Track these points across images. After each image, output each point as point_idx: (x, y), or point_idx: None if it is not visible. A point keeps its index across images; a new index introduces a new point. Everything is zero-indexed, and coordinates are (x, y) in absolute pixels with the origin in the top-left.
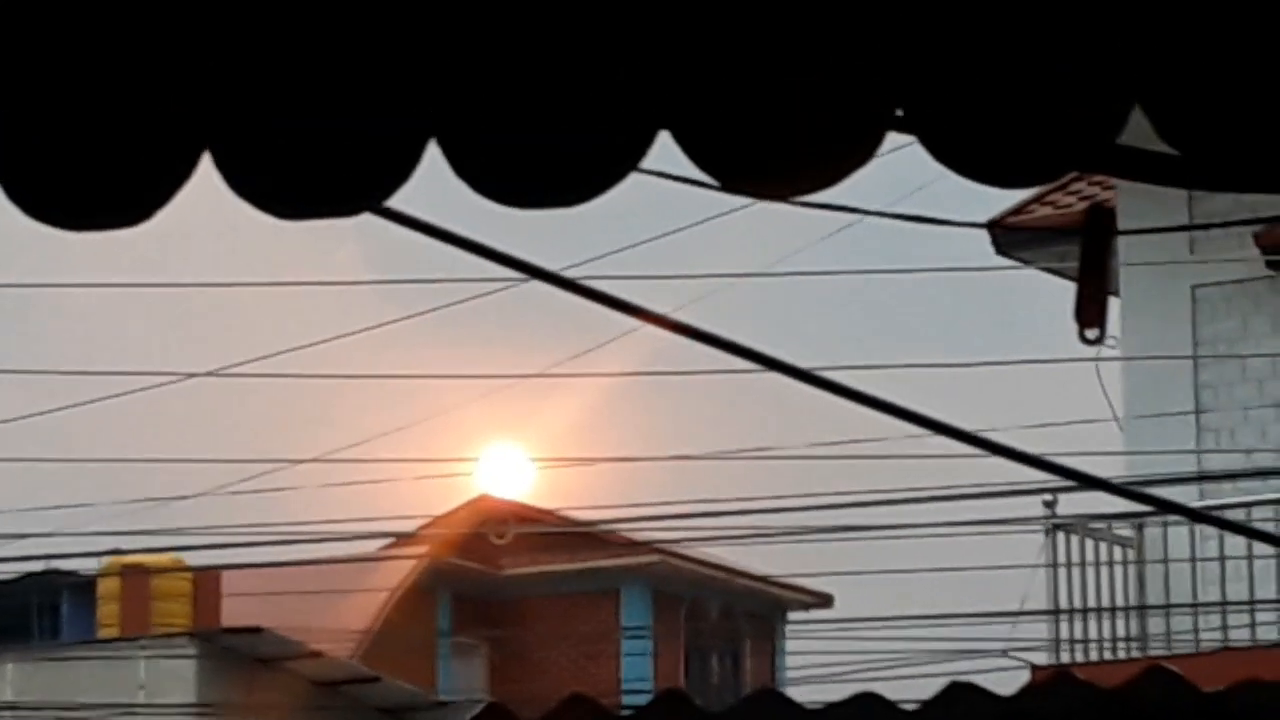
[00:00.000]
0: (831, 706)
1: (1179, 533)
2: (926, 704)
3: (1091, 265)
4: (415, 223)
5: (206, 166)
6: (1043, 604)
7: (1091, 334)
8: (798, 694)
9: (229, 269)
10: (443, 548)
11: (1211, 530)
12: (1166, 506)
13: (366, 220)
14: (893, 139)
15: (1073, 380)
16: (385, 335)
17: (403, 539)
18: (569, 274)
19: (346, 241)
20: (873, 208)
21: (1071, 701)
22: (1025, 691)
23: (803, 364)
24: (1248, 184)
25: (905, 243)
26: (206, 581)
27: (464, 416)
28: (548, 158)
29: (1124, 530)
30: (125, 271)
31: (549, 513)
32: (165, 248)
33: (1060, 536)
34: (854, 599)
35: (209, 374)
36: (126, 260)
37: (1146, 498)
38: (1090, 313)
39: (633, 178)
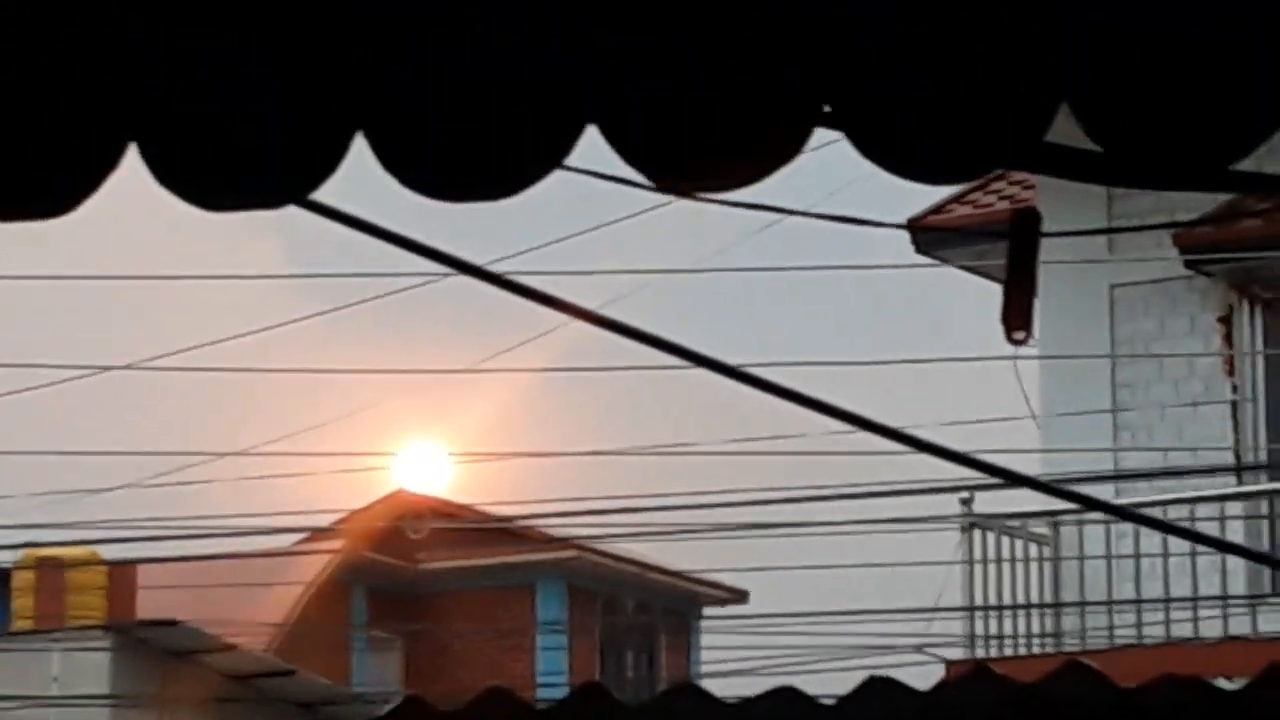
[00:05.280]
0: (749, 700)
1: (1094, 531)
2: (844, 699)
3: (1019, 268)
4: (340, 215)
5: (132, 157)
6: (958, 601)
7: (1019, 335)
8: (713, 688)
9: (142, 263)
10: (359, 542)
11: (1127, 528)
12: (1090, 503)
13: (284, 214)
14: (820, 135)
15: (991, 379)
16: (304, 331)
17: (319, 533)
18: (492, 269)
19: (264, 235)
20: (798, 206)
21: (989, 695)
22: (942, 685)
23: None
24: (1171, 181)
25: (828, 241)
26: (122, 575)
27: (383, 412)
28: (474, 151)
29: (1040, 528)
30: (35, 264)
31: (466, 508)
32: (79, 242)
33: (976, 534)
34: (770, 596)
35: (125, 367)
36: (37, 252)
37: (1071, 495)
38: (1018, 315)
39: (558, 172)
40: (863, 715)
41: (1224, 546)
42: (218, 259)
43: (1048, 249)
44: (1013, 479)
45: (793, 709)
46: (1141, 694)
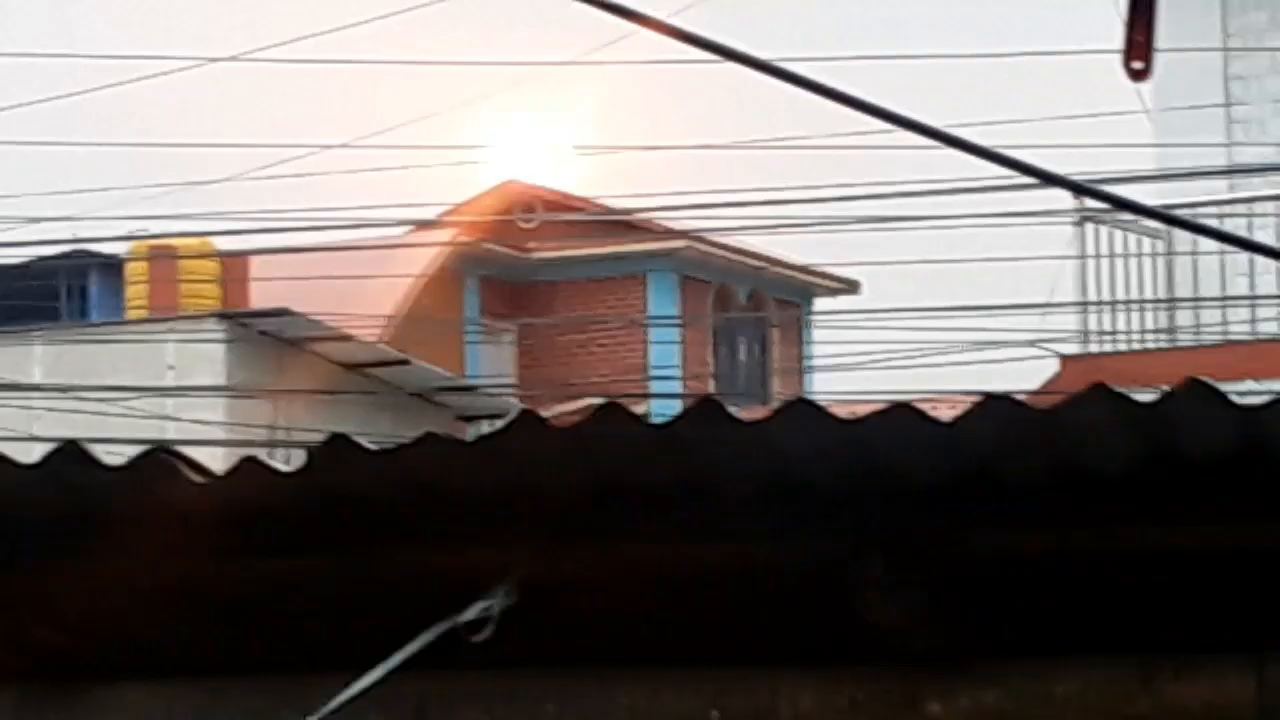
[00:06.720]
0: (866, 418)
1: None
2: (961, 417)
3: (1139, 3)
4: None
5: None
6: (1071, 297)
7: (1138, 67)
8: (824, 381)
9: None
10: (471, 231)
11: (1241, 223)
12: (1122, 204)
13: None
14: None
15: (1099, 77)
16: (416, 19)
17: (431, 224)
18: None
19: None
20: None
21: (1106, 415)
22: (1060, 406)
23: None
24: None
25: None
26: (234, 265)
27: (494, 103)
28: None
29: (1154, 223)
30: None
31: (577, 199)
32: None
33: (1089, 228)
34: (882, 291)
35: (231, 59)
36: None
37: (1102, 195)
38: (1138, 50)
39: None
40: (980, 434)
41: None
42: None
43: None
44: (1045, 178)
45: (907, 426)
46: (1265, 412)
